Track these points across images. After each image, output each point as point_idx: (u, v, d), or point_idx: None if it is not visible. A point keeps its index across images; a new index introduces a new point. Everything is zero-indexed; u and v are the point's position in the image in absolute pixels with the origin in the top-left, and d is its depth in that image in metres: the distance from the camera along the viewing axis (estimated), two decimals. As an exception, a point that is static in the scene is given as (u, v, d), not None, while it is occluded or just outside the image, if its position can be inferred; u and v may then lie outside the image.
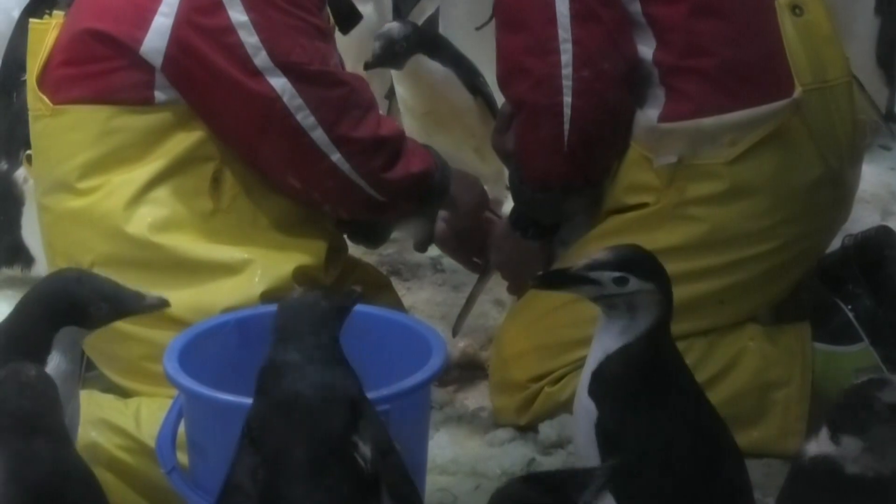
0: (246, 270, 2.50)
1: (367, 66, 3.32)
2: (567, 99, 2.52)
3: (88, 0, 2.57)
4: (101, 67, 2.49)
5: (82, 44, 2.51)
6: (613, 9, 2.56)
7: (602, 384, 2.03)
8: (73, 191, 2.50)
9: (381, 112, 2.62)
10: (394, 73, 3.53)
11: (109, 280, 2.12)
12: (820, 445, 1.76)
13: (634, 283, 2.02)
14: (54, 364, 2.03)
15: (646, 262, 2.06)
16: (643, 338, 2.03)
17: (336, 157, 2.50)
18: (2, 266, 3.27)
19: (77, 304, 2.06)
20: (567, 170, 2.62)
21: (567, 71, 2.51)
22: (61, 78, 2.53)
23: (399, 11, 4.10)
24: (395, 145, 2.58)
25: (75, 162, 2.50)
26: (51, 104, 2.52)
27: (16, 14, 3.29)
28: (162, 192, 2.50)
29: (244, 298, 2.46)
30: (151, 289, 2.43)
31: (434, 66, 3.41)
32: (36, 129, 2.59)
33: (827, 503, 1.74)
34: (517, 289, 2.87)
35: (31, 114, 2.59)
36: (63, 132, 2.52)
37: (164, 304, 2.16)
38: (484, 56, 3.20)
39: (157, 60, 2.46)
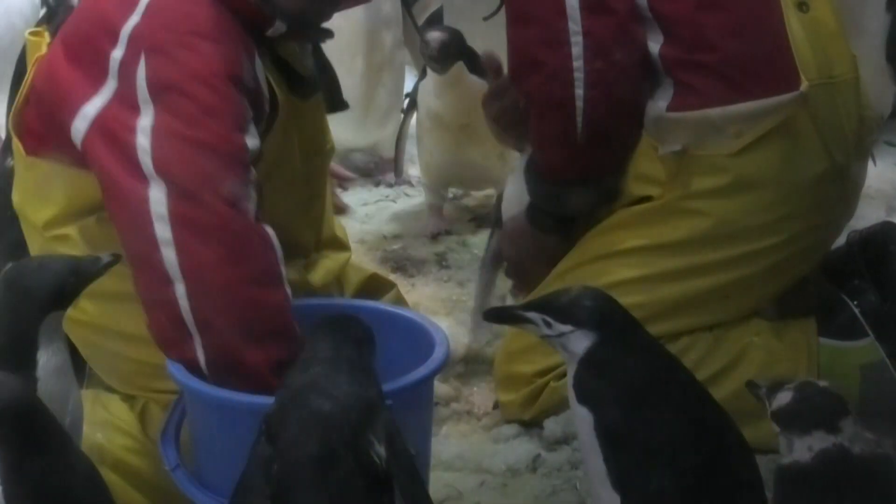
0: None
1: (428, 68, 3.32)
2: (580, 91, 2.51)
3: (57, 44, 2.43)
4: (60, 130, 2.36)
5: (40, 100, 2.41)
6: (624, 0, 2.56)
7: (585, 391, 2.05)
8: (46, 239, 2.46)
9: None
10: (434, 86, 3.58)
11: (63, 255, 2.17)
12: (822, 440, 1.81)
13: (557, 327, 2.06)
14: (47, 357, 2.03)
15: (572, 306, 2.07)
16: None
17: (179, 289, 2.19)
18: (8, 262, 3.27)
19: (54, 289, 2.07)
20: (583, 161, 2.62)
21: (579, 63, 2.51)
22: (31, 129, 2.45)
23: (406, 3, 4.11)
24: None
25: (46, 213, 2.44)
26: (24, 153, 2.45)
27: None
28: None
29: None
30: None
31: (473, 78, 3.46)
32: (15, 167, 2.52)
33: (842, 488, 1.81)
34: (524, 287, 2.86)
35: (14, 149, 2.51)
36: (35, 182, 2.45)
37: (117, 258, 2.16)
38: (490, 47, 3.20)
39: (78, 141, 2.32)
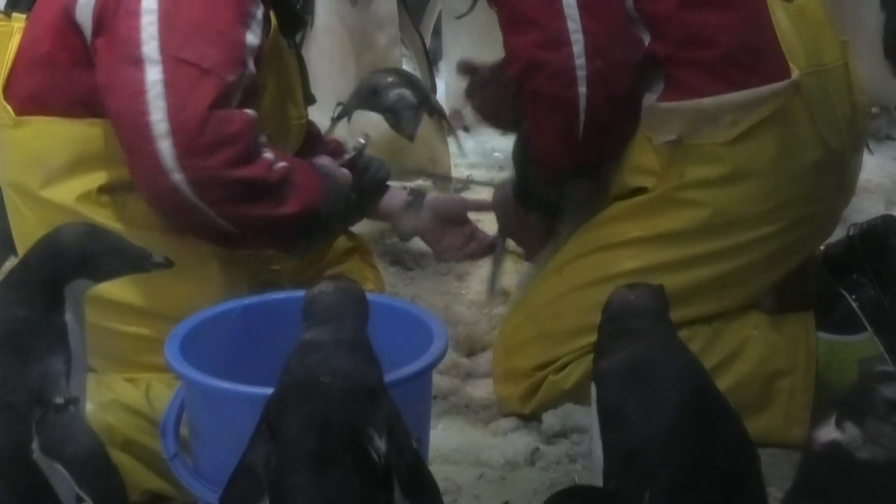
0: (234, 261, 2.51)
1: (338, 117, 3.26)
2: (582, 89, 2.53)
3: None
4: (59, 79, 2.45)
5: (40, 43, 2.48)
6: None
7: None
8: (40, 201, 2.47)
9: (263, 147, 2.39)
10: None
11: (118, 235, 2.16)
12: (829, 432, 1.76)
13: None
14: (68, 317, 2.04)
15: None
16: None
17: (178, 178, 2.32)
18: (10, 255, 3.27)
19: (87, 258, 2.07)
20: (580, 156, 2.63)
21: (580, 61, 2.52)
22: (24, 88, 2.50)
23: (406, 6, 4.11)
24: (256, 184, 2.38)
25: (40, 172, 2.46)
26: (13, 115, 2.48)
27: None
28: (130, 198, 2.47)
29: (235, 290, 2.46)
30: (143, 287, 2.43)
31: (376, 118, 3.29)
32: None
33: (843, 487, 1.74)
34: (529, 254, 2.95)
35: None
36: (27, 142, 2.48)
37: (169, 263, 2.15)
38: (480, 48, 3.21)
39: (87, 30, 2.42)
